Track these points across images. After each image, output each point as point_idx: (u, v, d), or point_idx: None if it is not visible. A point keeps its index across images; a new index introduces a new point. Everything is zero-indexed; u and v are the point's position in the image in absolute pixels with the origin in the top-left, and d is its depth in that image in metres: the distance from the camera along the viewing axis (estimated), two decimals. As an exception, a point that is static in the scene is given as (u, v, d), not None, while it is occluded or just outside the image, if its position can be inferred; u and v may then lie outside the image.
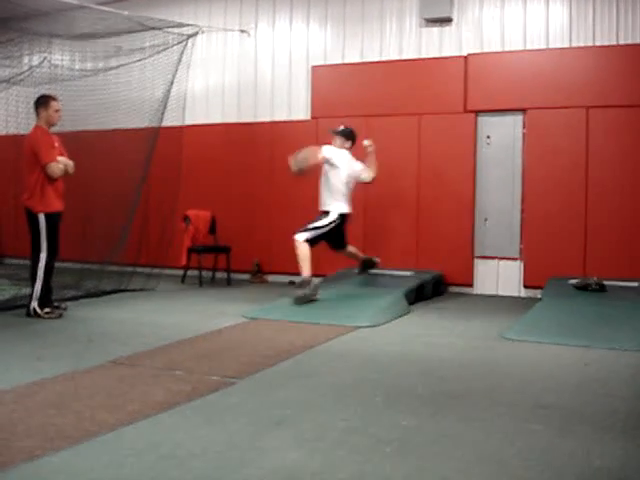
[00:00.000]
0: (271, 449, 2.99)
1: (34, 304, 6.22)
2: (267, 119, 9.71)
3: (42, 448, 2.92)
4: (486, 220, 8.46)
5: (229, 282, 9.13)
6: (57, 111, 6.40)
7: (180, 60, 8.58)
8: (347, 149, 7.37)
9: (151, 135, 8.50)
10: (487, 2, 8.51)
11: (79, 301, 7.15)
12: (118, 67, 8.66)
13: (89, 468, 2.75)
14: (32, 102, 6.58)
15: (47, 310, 6.24)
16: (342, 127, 7.47)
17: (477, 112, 8.45)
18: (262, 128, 9.66)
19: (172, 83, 8.58)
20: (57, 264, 6.59)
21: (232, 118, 10.02)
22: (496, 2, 8.47)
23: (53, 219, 6.29)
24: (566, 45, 8.11)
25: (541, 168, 8.09)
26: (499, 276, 8.44)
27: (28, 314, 6.22)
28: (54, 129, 6.58)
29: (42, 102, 6.40)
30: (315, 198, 9.13)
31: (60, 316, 6.27)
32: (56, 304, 6.57)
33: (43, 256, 6.22)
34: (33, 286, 6.24)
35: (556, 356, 4.98)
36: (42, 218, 6.23)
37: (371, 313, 6.41)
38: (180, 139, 8.92)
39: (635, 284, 7.28)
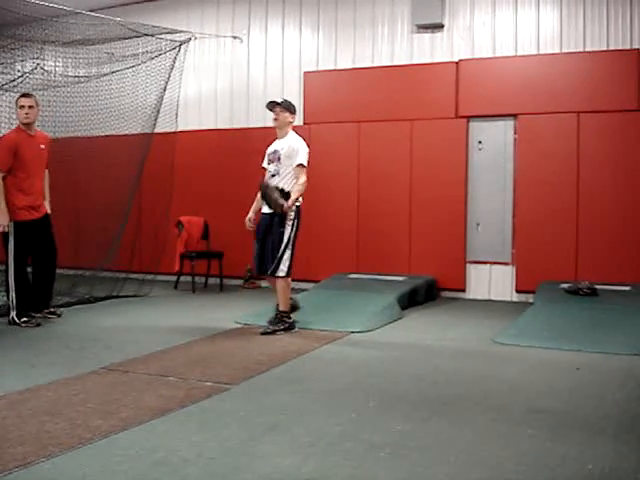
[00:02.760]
0: (265, 455, 2.99)
1: (12, 313, 6.15)
2: (260, 125, 9.70)
3: (35, 455, 2.92)
4: (478, 225, 8.49)
5: (222, 288, 9.13)
6: (22, 107, 6.20)
7: (173, 66, 8.60)
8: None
9: (144, 141, 8.51)
10: (478, 8, 8.55)
11: (72, 307, 7.13)
12: (111, 73, 8.66)
13: (82, 474, 2.75)
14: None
15: (24, 319, 6.15)
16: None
17: (469, 117, 8.48)
18: (255, 134, 9.64)
19: (165, 89, 8.59)
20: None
21: (225, 124, 10.03)
22: (487, 8, 8.51)
23: (20, 227, 6.13)
24: (557, 51, 8.16)
25: (532, 173, 8.12)
26: (491, 281, 8.46)
27: (9, 323, 6.16)
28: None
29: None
30: (306, 202, 9.15)
31: (38, 325, 6.16)
32: (52, 309, 6.56)
33: (11, 264, 6.12)
34: (8, 295, 6.19)
35: (548, 360, 5.00)
36: (10, 226, 6.10)
37: (364, 318, 6.42)
38: (173, 145, 8.92)
39: (626, 288, 7.32)
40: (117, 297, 8.03)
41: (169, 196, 8.76)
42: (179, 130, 9.20)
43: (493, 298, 8.42)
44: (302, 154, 5.98)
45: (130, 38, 8.35)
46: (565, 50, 8.13)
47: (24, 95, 6.35)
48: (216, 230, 9.42)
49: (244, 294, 8.91)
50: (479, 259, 8.49)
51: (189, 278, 8.94)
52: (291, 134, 6.14)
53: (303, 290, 8.22)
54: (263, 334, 5.84)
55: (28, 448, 3.00)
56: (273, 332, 5.87)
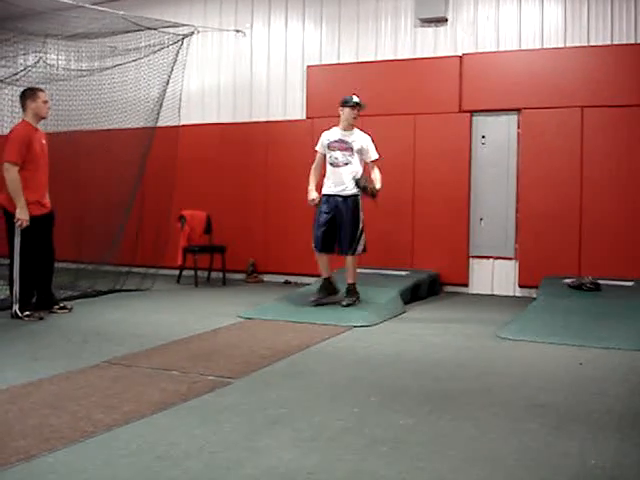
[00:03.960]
0: (267, 449, 2.99)
1: (15, 307, 6.13)
2: (262, 119, 9.72)
3: (38, 448, 2.92)
4: (481, 220, 8.48)
5: (224, 282, 9.13)
6: (45, 102, 6.23)
7: (175, 60, 8.58)
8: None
9: (147, 135, 8.50)
10: (482, 2, 8.52)
11: (74, 301, 7.12)
12: (114, 67, 8.65)
13: (85, 468, 2.75)
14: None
15: (27, 313, 6.14)
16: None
17: (472, 112, 8.46)
18: (257, 128, 9.66)
19: (167, 83, 8.57)
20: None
21: (227, 118, 10.02)
22: (491, 2, 8.48)
23: (33, 222, 6.08)
24: (561, 45, 8.13)
25: (536, 168, 8.10)
26: (494, 276, 8.45)
27: (12, 316, 6.15)
28: (44, 125, 6.50)
29: (29, 94, 6.22)
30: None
31: (41, 319, 6.15)
32: (62, 304, 6.58)
33: (17, 258, 6.09)
34: (11, 290, 6.18)
35: (551, 355, 5.00)
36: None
37: (366, 313, 6.41)
38: (175, 139, 8.92)
39: (630, 283, 7.30)
40: (119, 291, 8.04)
41: (171, 190, 8.76)
42: (182, 124, 9.20)
43: (496, 293, 8.41)
44: (373, 150, 6.76)
45: (133, 32, 8.34)
46: (569, 44, 8.10)
47: (41, 90, 6.32)
48: (219, 224, 9.42)
49: (247, 288, 8.91)
50: (482, 254, 8.48)
51: (192, 272, 8.94)
52: (357, 130, 6.84)
53: (306, 285, 8.23)
54: (346, 306, 6.60)
55: (30, 442, 3.00)
56: (354, 302, 6.67)
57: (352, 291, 6.77)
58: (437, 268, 8.45)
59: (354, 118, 6.75)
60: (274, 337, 5.54)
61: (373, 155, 6.73)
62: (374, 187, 6.50)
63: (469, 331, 5.99)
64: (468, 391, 4.02)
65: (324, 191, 6.73)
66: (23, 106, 6.25)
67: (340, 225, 6.62)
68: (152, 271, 8.70)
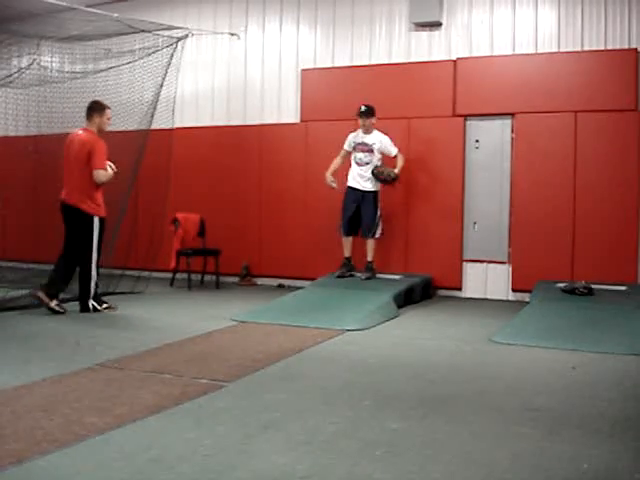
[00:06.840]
0: (260, 452, 2.99)
1: (91, 302, 6.58)
2: (256, 122, 9.71)
3: (30, 451, 2.91)
4: (475, 224, 8.49)
5: (218, 285, 9.11)
6: (109, 119, 6.70)
7: (170, 63, 8.56)
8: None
9: (141, 138, 8.48)
10: (476, 7, 8.54)
11: (68, 304, 7.10)
12: (108, 69, 8.63)
13: (77, 471, 2.74)
14: (21, 104, 6.58)
15: (105, 305, 6.70)
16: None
17: (466, 116, 8.47)
18: (251, 131, 9.65)
19: (162, 86, 8.55)
20: (43, 266, 6.62)
21: (221, 121, 10.01)
22: (485, 7, 8.50)
23: (103, 223, 6.59)
24: (555, 50, 8.16)
25: (529, 172, 8.12)
26: (487, 280, 8.46)
27: (88, 310, 6.58)
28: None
29: (98, 108, 6.65)
30: (303, 200, 9.16)
31: (114, 308, 6.76)
32: (59, 305, 6.65)
33: (94, 256, 6.51)
34: (87, 285, 6.53)
35: (544, 359, 5.00)
36: (96, 221, 6.49)
37: (360, 316, 6.41)
38: (169, 142, 8.90)
39: (623, 288, 7.32)
40: (113, 294, 8.00)
41: (165, 193, 8.74)
42: (175, 127, 9.18)
43: (489, 297, 8.42)
44: (391, 147, 8.01)
45: (127, 34, 8.32)
46: (563, 49, 8.12)
47: (109, 107, 6.79)
48: (212, 227, 9.40)
49: (240, 291, 8.90)
50: (475, 258, 8.49)
51: (185, 275, 8.93)
52: (376, 131, 8.03)
53: (299, 288, 8.23)
54: (366, 279, 7.87)
55: (22, 445, 2.99)
56: (372, 277, 7.96)
57: (371, 268, 8.03)
58: (430, 272, 8.45)
59: (363, 125, 7.92)
60: (267, 340, 5.54)
61: (392, 151, 7.97)
62: (390, 172, 7.84)
63: (462, 335, 6.00)
64: (462, 395, 4.02)
65: (350, 184, 8.04)
66: (89, 117, 6.66)
67: (362, 214, 7.94)
68: (145, 274, 8.68)
